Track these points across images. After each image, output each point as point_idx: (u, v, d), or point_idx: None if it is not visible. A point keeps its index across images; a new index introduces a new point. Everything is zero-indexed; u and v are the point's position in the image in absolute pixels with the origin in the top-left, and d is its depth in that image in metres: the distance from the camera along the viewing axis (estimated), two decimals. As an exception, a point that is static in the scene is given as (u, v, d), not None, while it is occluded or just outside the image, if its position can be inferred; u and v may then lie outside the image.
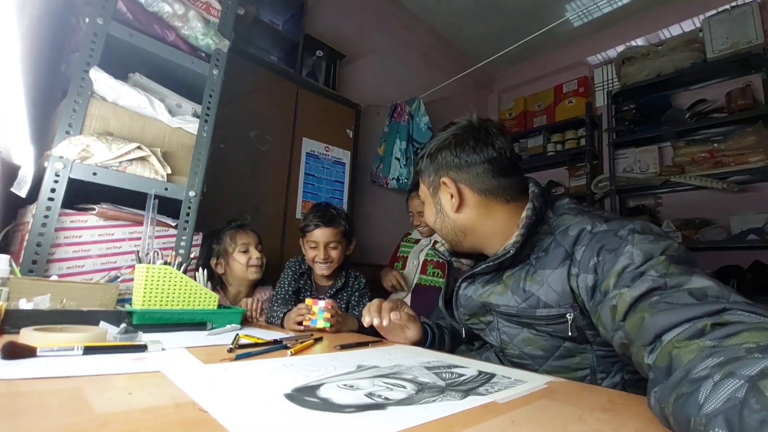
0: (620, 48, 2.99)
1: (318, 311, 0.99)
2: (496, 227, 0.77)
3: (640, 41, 2.97)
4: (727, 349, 0.36)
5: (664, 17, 2.87)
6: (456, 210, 0.78)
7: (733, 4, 2.43)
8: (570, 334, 0.67)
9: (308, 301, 1.01)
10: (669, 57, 2.57)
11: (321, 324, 0.99)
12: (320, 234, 1.35)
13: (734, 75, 2.51)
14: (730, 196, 2.44)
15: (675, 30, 2.84)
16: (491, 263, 0.75)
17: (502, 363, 0.81)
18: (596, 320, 0.60)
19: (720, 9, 2.46)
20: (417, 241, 1.89)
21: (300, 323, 1.01)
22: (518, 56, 3.33)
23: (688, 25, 2.79)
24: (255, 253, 1.39)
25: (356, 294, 1.41)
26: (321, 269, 1.37)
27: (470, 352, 0.92)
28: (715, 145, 2.41)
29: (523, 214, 0.73)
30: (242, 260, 1.37)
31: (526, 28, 2.49)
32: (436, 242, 1.70)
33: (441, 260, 1.66)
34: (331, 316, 0.99)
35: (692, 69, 2.50)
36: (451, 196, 0.77)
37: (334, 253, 1.37)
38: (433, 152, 0.81)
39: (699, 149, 2.48)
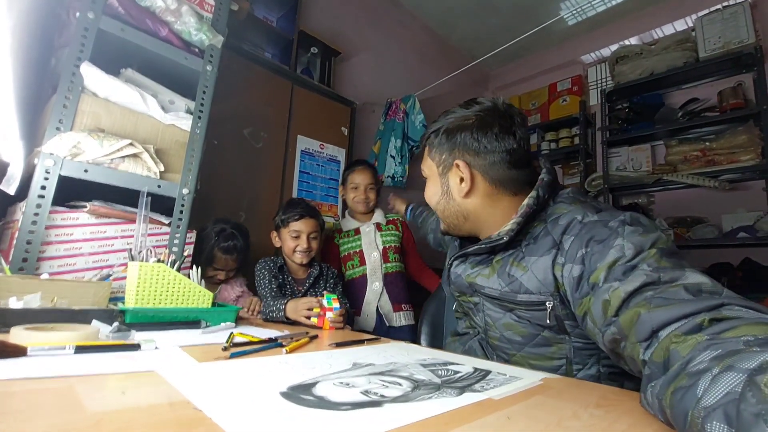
0: (614, 47, 3.01)
1: (329, 316, 1.06)
2: (497, 217, 0.76)
3: (633, 40, 2.99)
4: (726, 342, 0.36)
5: (657, 17, 2.90)
6: (464, 195, 0.76)
7: (725, 4, 2.45)
8: (548, 322, 0.67)
9: (332, 302, 1.08)
10: (662, 56, 2.59)
11: (322, 324, 1.06)
12: (304, 224, 1.42)
13: (726, 74, 2.53)
14: (721, 195, 2.47)
15: (668, 29, 2.87)
16: (483, 246, 0.75)
17: (484, 351, 0.83)
18: (580, 311, 0.59)
19: (712, 9, 2.48)
20: (357, 232, 1.74)
21: (308, 317, 1.09)
22: (513, 54, 3.34)
23: (680, 25, 2.81)
24: (221, 275, 1.44)
25: (331, 281, 1.51)
26: (301, 258, 1.42)
27: (454, 342, 0.94)
28: (707, 143, 2.44)
29: (524, 202, 0.72)
30: (209, 274, 1.42)
31: (520, 27, 2.50)
32: (379, 224, 1.74)
33: (395, 245, 1.73)
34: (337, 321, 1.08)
35: (685, 68, 2.53)
36: (461, 180, 0.75)
37: (314, 244, 1.45)
38: (451, 129, 0.76)
39: (691, 148, 2.50)
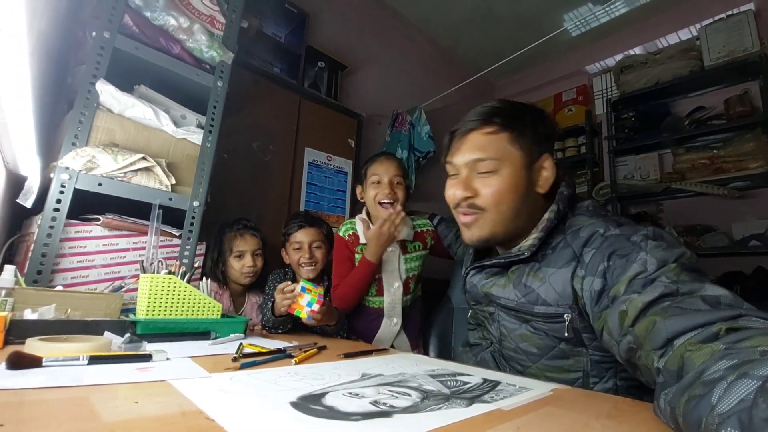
0: (618, 57, 3.02)
1: (308, 300, 1.01)
2: (532, 219, 0.75)
3: (637, 50, 3.00)
4: (741, 351, 0.35)
5: (660, 26, 2.91)
6: (545, 191, 0.73)
7: (729, 13, 2.46)
8: (566, 334, 0.66)
9: (305, 285, 1.01)
10: (667, 65, 2.59)
11: (303, 314, 1.01)
12: (304, 234, 1.38)
13: (732, 82, 2.53)
14: (731, 203, 2.44)
15: (672, 39, 2.87)
16: (502, 260, 0.75)
17: (496, 363, 0.83)
18: (599, 325, 0.59)
19: (716, 18, 2.49)
20: None
21: (288, 306, 1.03)
22: (518, 65, 3.36)
23: (684, 34, 2.82)
24: (248, 261, 1.40)
25: None
26: (307, 272, 1.37)
27: (465, 353, 0.93)
28: (715, 151, 2.42)
29: (545, 216, 0.72)
30: (236, 266, 1.39)
31: (524, 38, 2.52)
32: (406, 243, 1.35)
33: (417, 273, 1.37)
34: (319, 312, 1.02)
35: (690, 77, 2.53)
36: (541, 176, 0.74)
37: (318, 254, 1.39)
38: (538, 121, 0.74)
39: (699, 156, 2.49)
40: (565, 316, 0.66)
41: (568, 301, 0.65)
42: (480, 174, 0.73)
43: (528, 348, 0.73)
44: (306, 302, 1.00)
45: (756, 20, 2.34)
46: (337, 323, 1.14)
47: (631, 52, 3.00)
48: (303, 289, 1.01)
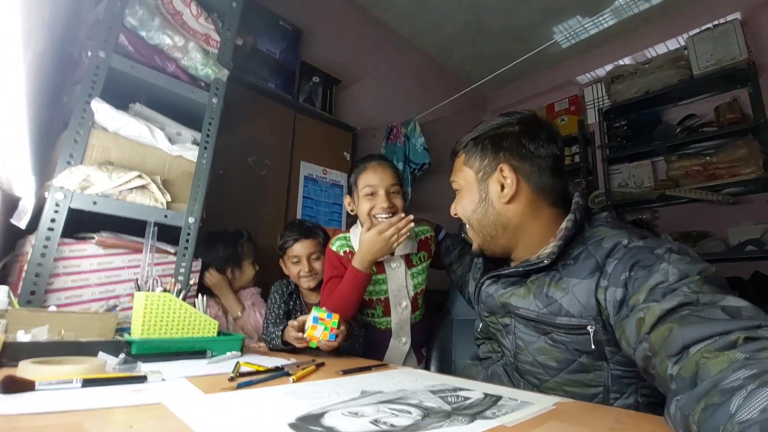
0: (608, 67, 3.08)
1: (321, 330, 0.91)
2: (536, 229, 0.75)
3: (627, 60, 3.06)
4: (761, 361, 0.35)
5: (648, 37, 2.97)
6: (507, 201, 0.74)
7: (715, 22, 2.52)
8: (592, 347, 0.65)
9: (317, 314, 0.92)
10: (656, 74, 2.64)
11: (317, 344, 0.93)
12: (300, 247, 1.37)
13: (721, 90, 2.57)
14: (726, 208, 2.46)
15: (660, 48, 2.93)
16: (521, 269, 0.74)
17: (508, 376, 0.80)
18: (620, 335, 0.58)
19: (703, 28, 2.55)
20: (380, 268, 1.22)
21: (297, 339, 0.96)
22: (510, 77, 3.41)
23: (672, 44, 2.88)
24: (256, 267, 1.59)
25: None
26: (307, 283, 1.37)
27: (475, 367, 0.91)
28: (708, 158, 2.45)
29: (563, 225, 0.71)
30: (251, 272, 1.56)
31: (516, 51, 2.57)
32: (410, 257, 1.23)
33: (425, 286, 1.26)
34: (335, 341, 0.93)
35: (680, 85, 2.57)
36: (502, 187, 0.74)
37: (317, 265, 1.37)
38: (495, 135, 0.76)
39: (692, 163, 2.52)
40: (589, 327, 0.64)
41: (593, 312, 0.64)
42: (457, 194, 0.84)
43: (546, 361, 0.71)
44: (319, 333, 0.92)
45: (742, 29, 2.39)
46: (347, 338, 1.00)
47: (621, 62, 3.06)
48: (315, 319, 0.92)
